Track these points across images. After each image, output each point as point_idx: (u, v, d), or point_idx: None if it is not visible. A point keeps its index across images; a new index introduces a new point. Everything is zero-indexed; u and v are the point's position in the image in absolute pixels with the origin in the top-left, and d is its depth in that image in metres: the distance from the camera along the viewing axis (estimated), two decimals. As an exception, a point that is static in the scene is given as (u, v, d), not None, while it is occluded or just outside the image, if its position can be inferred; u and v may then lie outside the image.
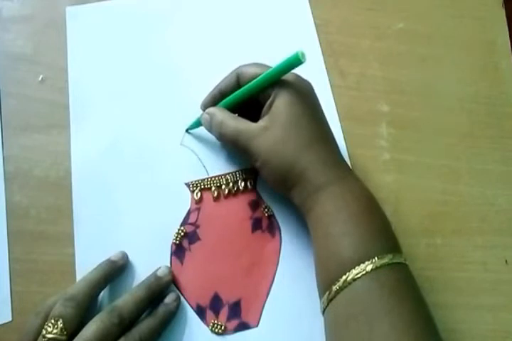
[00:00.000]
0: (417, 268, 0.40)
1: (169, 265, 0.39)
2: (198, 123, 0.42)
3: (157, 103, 0.44)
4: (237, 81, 0.38)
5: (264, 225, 0.41)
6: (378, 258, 0.31)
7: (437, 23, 0.48)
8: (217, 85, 0.40)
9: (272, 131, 0.35)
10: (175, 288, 0.39)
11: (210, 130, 0.40)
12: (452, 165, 0.44)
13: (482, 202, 0.43)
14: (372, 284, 0.31)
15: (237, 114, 0.39)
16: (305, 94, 0.36)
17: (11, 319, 0.38)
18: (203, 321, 0.38)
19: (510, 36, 0.48)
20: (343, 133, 0.43)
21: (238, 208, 0.41)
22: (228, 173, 0.42)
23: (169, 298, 0.38)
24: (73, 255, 0.40)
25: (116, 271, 0.38)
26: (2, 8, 0.46)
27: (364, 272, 0.31)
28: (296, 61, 0.33)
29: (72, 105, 0.44)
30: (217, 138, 0.40)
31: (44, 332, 0.32)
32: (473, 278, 0.41)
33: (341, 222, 0.33)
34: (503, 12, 0.49)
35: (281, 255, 0.40)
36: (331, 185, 0.34)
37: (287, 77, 0.36)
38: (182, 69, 0.45)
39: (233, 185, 0.41)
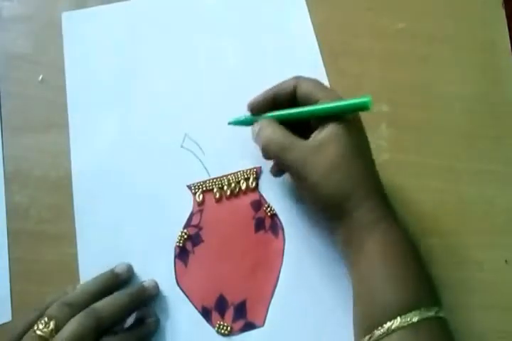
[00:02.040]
0: (417, 268, 0.40)
1: (173, 267, 0.39)
2: (241, 123, 0.40)
3: (157, 105, 0.44)
4: (293, 90, 0.37)
5: (267, 225, 0.41)
6: (425, 309, 0.31)
7: (437, 23, 0.48)
8: (273, 88, 0.38)
9: (328, 152, 0.34)
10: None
11: (255, 141, 0.38)
12: (452, 165, 0.44)
13: (482, 202, 0.43)
14: (417, 336, 0.30)
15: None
16: (360, 134, 0.36)
17: (10, 319, 0.38)
18: (209, 322, 0.38)
19: (510, 36, 0.48)
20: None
21: (240, 209, 0.41)
22: (229, 174, 0.42)
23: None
24: (73, 255, 0.40)
25: (118, 285, 0.38)
26: (2, 8, 0.46)
27: (410, 322, 0.30)
28: (363, 106, 0.34)
29: (70, 106, 0.44)
30: (263, 151, 0.37)
31: (35, 327, 0.33)
32: (473, 278, 0.41)
33: (393, 265, 0.33)
34: (503, 12, 0.49)
35: (285, 254, 0.40)
36: (385, 223, 0.34)
37: None
38: (180, 71, 0.45)
39: (235, 186, 0.41)
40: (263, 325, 0.38)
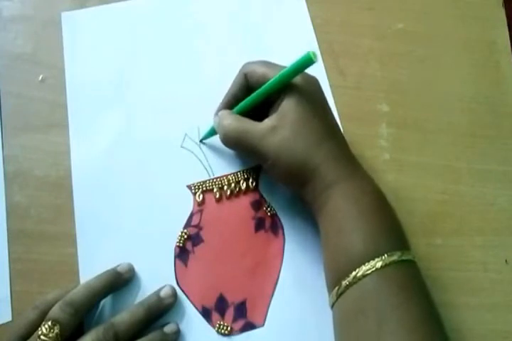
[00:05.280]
0: (418, 268, 0.40)
1: (173, 267, 0.39)
2: (211, 133, 0.41)
3: (157, 105, 0.44)
4: (246, 81, 0.38)
5: (267, 225, 0.41)
6: (388, 255, 0.32)
7: (437, 23, 0.48)
8: (228, 91, 0.40)
9: (281, 130, 0.35)
10: (176, 319, 0.38)
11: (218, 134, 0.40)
12: (452, 165, 0.44)
13: (482, 202, 0.43)
14: (381, 281, 0.31)
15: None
16: (313, 92, 0.37)
17: (11, 319, 0.38)
18: (209, 322, 0.38)
19: (510, 36, 0.48)
20: (343, 133, 0.43)
21: (241, 208, 0.41)
22: (230, 174, 0.42)
23: (169, 329, 0.37)
24: (73, 255, 0.40)
25: (120, 283, 0.38)
26: (2, 8, 0.46)
27: (374, 268, 0.31)
28: (309, 61, 0.33)
29: (70, 106, 0.43)
30: (223, 143, 0.39)
31: (40, 332, 0.33)
32: (474, 278, 0.41)
33: (352, 218, 0.34)
34: (503, 12, 0.49)
35: (285, 254, 0.40)
36: (342, 181, 0.35)
37: None
38: (180, 71, 0.45)
39: (235, 186, 0.41)
40: (263, 325, 0.38)
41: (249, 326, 0.38)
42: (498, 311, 0.40)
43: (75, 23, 0.46)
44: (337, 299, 0.33)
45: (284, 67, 0.36)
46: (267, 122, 0.36)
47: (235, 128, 0.37)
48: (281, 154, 0.35)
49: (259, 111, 0.38)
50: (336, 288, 0.33)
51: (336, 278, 0.33)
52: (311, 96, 0.36)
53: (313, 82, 0.37)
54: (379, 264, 0.31)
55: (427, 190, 0.43)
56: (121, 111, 0.44)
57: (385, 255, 0.32)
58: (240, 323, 0.38)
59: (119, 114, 0.44)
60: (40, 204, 0.41)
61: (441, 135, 0.45)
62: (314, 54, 0.33)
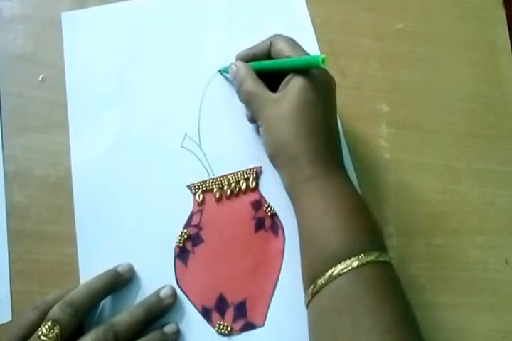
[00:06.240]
0: (417, 268, 0.40)
1: (173, 267, 0.39)
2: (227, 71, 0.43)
3: (157, 105, 0.44)
4: (269, 49, 0.40)
5: (267, 225, 0.41)
6: (365, 255, 0.32)
7: (437, 23, 0.48)
8: (250, 48, 0.42)
9: (280, 106, 0.36)
10: (176, 319, 0.38)
11: (232, 80, 0.41)
12: (452, 165, 0.44)
13: (482, 202, 0.43)
14: (357, 280, 0.31)
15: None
16: (323, 88, 0.37)
17: (11, 319, 0.38)
18: (209, 322, 0.38)
19: (510, 36, 0.48)
20: (343, 133, 0.43)
21: (241, 208, 0.41)
22: (230, 174, 0.42)
23: (169, 329, 0.37)
24: (73, 255, 0.40)
25: (120, 284, 0.38)
26: (2, 8, 0.46)
27: (350, 267, 0.31)
28: (314, 63, 0.34)
29: (70, 106, 0.43)
30: (238, 92, 0.41)
31: (40, 332, 0.33)
32: (474, 278, 0.41)
33: (329, 217, 0.34)
34: (503, 12, 0.49)
35: (285, 254, 0.40)
36: (321, 179, 0.35)
37: None
38: (179, 70, 0.45)
39: (235, 186, 0.41)
40: (263, 325, 0.38)
41: (249, 326, 0.38)
42: (498, 311, 0.40)
43: (75, 23, 0.46)
44: (312, 298, 0.33)
45: (306, 53, 0.37)
46: (275, 95, 0.37)
47: (249, 90, 0.38)
48: (272, 127, 0.37)
49: (274, 78, 0.39)
50: (312, 286, 0.32)
51: (312, 277, 0.33)
52: (319, 89, 0.36)
53: (328, 80, 0.38)
54: (355, 263, 0.31)
55: (427, 190, 0.43)
56: (121, 111, 0.44)
57: (362, 254, 0.32)
58: (240, 323, 0.38)
59: (119, 114, 0.44)
60: (40, 204, 0.41)
61: (441, 135, 0.45)
62: (324, 60, 0.34)
